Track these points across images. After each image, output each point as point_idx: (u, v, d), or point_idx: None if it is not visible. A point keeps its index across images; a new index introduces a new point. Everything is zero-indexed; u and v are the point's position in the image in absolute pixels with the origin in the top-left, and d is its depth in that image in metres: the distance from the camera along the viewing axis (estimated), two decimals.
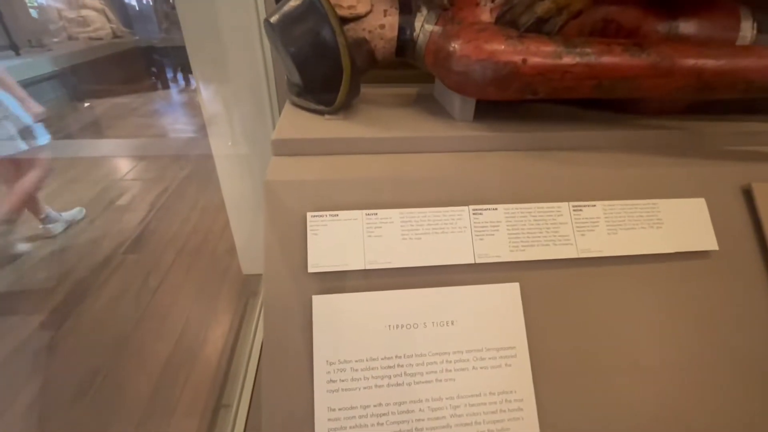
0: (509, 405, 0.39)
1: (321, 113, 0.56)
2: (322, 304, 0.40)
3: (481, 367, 0.39)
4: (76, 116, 3.14)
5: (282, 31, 0.52)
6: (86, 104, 3.55)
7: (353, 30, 0.54)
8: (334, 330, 0.39)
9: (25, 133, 1.48)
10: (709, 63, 0.45)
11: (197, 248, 1.47)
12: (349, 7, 0.52)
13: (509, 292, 0.42)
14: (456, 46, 0.48)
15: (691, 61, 0.45)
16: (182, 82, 4.06)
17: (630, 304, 0.44)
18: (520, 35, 0.46)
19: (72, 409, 0.90)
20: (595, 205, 0.45)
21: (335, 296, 0.40)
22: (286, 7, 0.51)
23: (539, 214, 0.44)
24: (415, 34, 0.54)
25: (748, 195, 0.49)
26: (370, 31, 0.54)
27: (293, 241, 0.41)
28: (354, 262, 0.41)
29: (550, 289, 0.43)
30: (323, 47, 0.51)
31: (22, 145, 1.46)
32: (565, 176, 0.47)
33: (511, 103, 0.59)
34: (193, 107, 3.32)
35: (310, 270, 0.40)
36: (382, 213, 0.42)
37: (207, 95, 0.91)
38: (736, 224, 0.48)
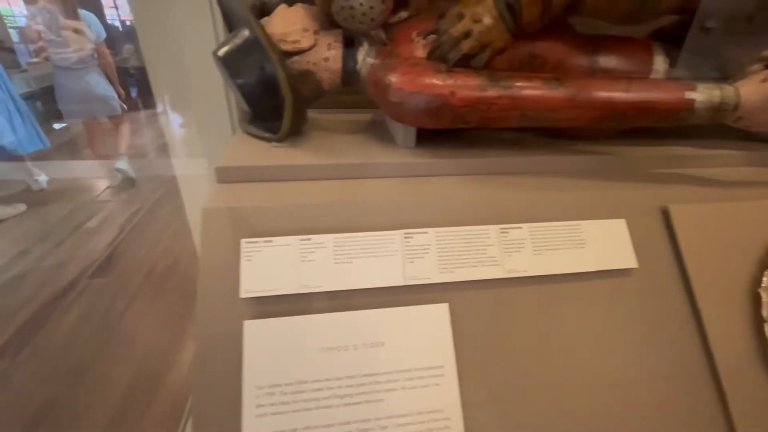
0: (437, 424, 0.40)
1: (269, 141, 0.58)
2: (253, 328, 0.40)
3: (410, 387, 0.41)
4: (50, 137, 3.10)
5: (228, 65, 0.54)
6: (61, 125, 3.51)
7: (298, 63, 0.56)
8: (265, 354, 0.40)
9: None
10: (621, 95, 0.49)
11: (166, 271, 1.45)
12: (293, 42, 0.55)
13: (438, 313, 0.43)
14: (392, 79, 0.51)
15: (605, 94, 0.49)
16: None
17: (555, 321, 0.46)
18: (450, 70, 0.50)
19: None
20: (521, 227, 0.48)
21: (267, 321, 0.41)
22: (231, 43, 0.54)
23: (468, 237, 0.46)
24: (358, 66, 0.57)
25: (666, 216, 0.52)
26: (315, 63, 0.57)
27: (228, 267, 0.42)
28: (286, 287, 0.42)
29: (478, 308, 0.45)
30: (267, 80, 0.53)
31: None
32: (496, 200, 0.50)
33: (453, 130, 0.62)
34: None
35: (243, 295, 0.41)
36: (316, 238, 0.44)
37: (169, 120, 0.92)
38: (655, 243, 0.51)
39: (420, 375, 0.41)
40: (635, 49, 0.56)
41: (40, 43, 3.44)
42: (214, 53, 0.55)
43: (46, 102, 3.60)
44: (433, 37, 0.51)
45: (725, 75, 0.56)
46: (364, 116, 0.73)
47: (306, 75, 0.57)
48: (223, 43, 0.55)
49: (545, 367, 0.44)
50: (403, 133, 0.58)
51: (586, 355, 0.45)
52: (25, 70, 3.69)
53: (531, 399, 0.43)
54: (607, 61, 0.56)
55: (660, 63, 0.56)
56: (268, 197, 0.48)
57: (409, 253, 0.45)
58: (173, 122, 0.93)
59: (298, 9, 0.58)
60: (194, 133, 0.94)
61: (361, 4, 0.50)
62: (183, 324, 1.25)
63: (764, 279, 0.49)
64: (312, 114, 0.72)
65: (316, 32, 0.57)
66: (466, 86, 0.48)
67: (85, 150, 2.84)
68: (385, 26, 0.57)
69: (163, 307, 1.31)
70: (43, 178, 2.21)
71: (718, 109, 0.48)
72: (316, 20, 0.57)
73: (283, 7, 0.59)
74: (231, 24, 0.63)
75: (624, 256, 0.49)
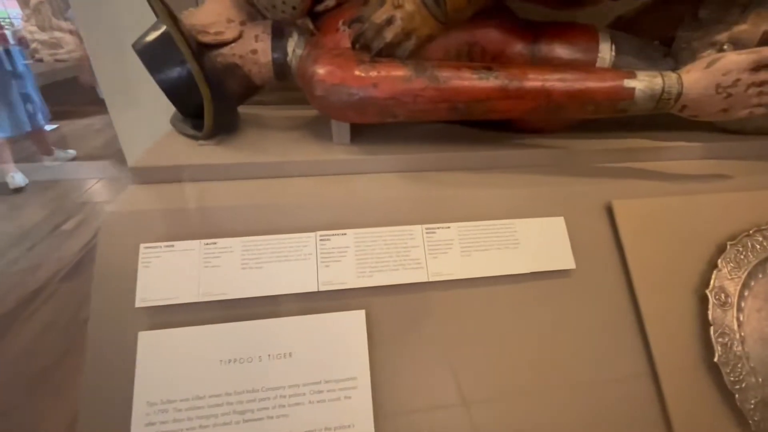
0: None
1: (195, 138, 0.55)
2: (148, 340, 0.38)
3: (318, 401, 0.38)
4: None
5: (146, 59, 0.51)
6: (51, 126, 3.47)
7: (223, 56, 0.53)
8: (160, 368, 0.37)
9: None
10: (557, 85, 0.46)
11: None
12: (216, 33, 0.52)
13: (353, 320, 0.41)
14: (315, 70, 0.48)
15: (538, 83, 0.46)
16: None
17: (484, 326, 0.43)
18: (373, 60, 0.47)
19: None
20: (449, 227, 0.45)
21: (163, 332, 0.38)
22: (147, 38, 0.50)
23: (391, 238, 0.44)
24: (288, 58, 0.54)
25: (609, 212, 0.49)
26: (241, 56, 0.54)
27: (124, 274, 0.39)
28: (186, 295, 0.39)
29: (398, 315, 0.42)
30: (188, 75, 0.50)
31: None
32: (424, 198, 0.47)
33: (390, 125, 0.59)
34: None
35: (138, 304, 0.38)
36: (222, 242, 0.41)
37: (119, 120, 0.89)
38: (596, 242, 0.48)
39: (330, 387, 0.38)
40: (580, 35, 0.53)
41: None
42: (133, 46, 0.52)
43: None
44: (357, 25, 0.48)
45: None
46: (310, 112, 0.70)
47: (233, 69, 0.54)
48: (142, 36, 0.52)
49: (470, 376, 0.41)
50: (336, 128, 0.55)
51: (517, 362, 0.43)
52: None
53: (454, 410, 0.40)
54: (550, 49, 0.53)
55: (606, 51, 0.53)
56: (179, 199, 0.45)
57: (325, 257, 0.42)
58: (121, 123, 0.90)
59: (222, 0, 0.54)
60: (143, 138, 0.91)
61: None
62: None
63: (712, 280, 0.46)
64: (255, 110, 0.69)
65: (242, 23, 0.54)
66: (389, 77, 0.45)
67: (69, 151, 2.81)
68: (314, 15, 0.53)
69: None
70: (19, 177, 2.20)
71: (659, 99, 0.45)
72: (242, 11, 0.54)
73: None
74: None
75: (561, 257, 0.46)
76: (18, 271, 1.44)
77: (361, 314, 0.41)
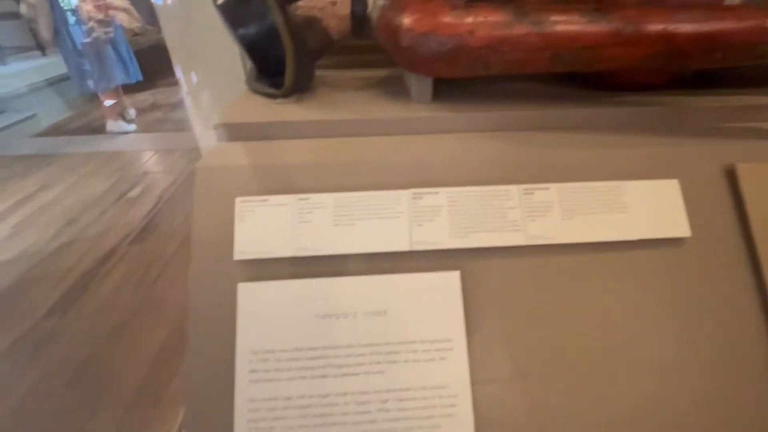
0: (442, 401, 0.36)
1: (273, 97, 0.54)
2: (247, 292, 0.38)
3: (413, 360, 0.37)
4: (100, 112, 3.26)
5: (228, 14, 0.50)
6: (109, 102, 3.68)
7: (303, 9, 0.51)
8: (260, 319, 0.38)
9: None
10: (681, 27, 0.40)
11: None
12: None
13: (448, 281, 0.39)
14: (402, 19, 0.45)
15: (660, 26, 0.40)
16: None
17: (585, 296, 0.40)
18: (467, 4, 0.43)
19: (66, 395, 0.93)
20: (548, 188, 0.42)
21: (262, 284, 0.38)
22: None
23: (486, 198, 0.41)
24: (368, 10, 0.51)
25: (731, 176, 0.44)
26: (321, 9, 0.51)
27: (221, 228, 0.40)
28: (282, 249, 0.39)
29: (495, 279, 0.40)
30: (269, 30, 0.49)
31: None
32: (520, 158, 0.44)
33: (474, 83, 0.55)
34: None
35: (236, 257, 0.39)
36: (315, 197, 0.40)
37: (189, 91, 0.91)
38: (715, 209, 0.43)
39: (425, 348, 0.37)
40: None
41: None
42: (214, 2, 0.51)
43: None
44: None
45: None
46: (381, 73, 0.68)
47: (312, 22, 0.52)
48: None
49: (570, 348, 0.39)
50: (417, 85, 0.52)
51: (618, 336, 0.39)
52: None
53: (550, 381, 0.38)
54: None
55: None
56: (268, 155, 0.44)
57: (418, 215, 0.40)
58: (192, 93, 0.91)
59: None
60: (212, 101, 0.92)
61: None
62: None
63: None
64: (322, 73, 0.67)
65: None
66: (487, 23, 0.42)
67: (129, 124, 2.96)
68: None
69: None
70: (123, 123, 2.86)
71: None
72: None
73: None
74: None
75: (674, 223, 0.41)
76: (92, 234, 1.56)
77: (455, 275, 0.39)
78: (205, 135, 1.00)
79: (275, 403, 0.36)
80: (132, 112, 3.13)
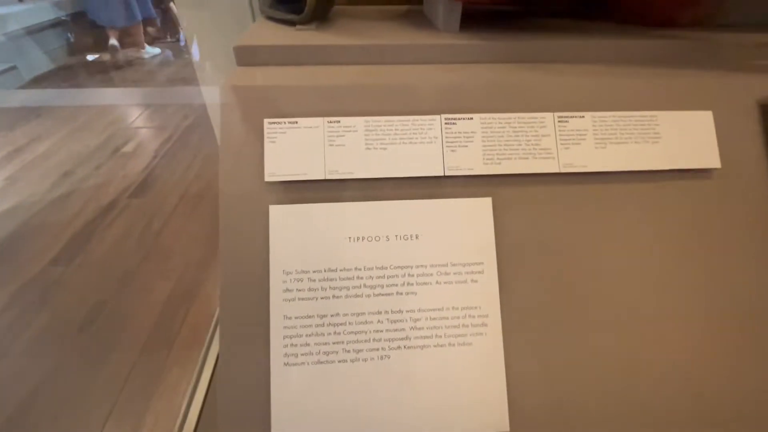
0: (473, 320, 0.37)
1: (292, 23, 0.52)
2: (279, 213, 0.38)
3: (445, 282, 0.38)
4: (83, 65, 3.11)
5: None
6: (92, 56, 3.50)
7: None
8: (292, 240, 0.38)
9: None
10: None
11: (199, 194, 1.48)
12: None
13: (480, 207, 0.39)
14: None
15: None
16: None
17: (616, 226, 0.41)
18: None
19: (79, 338, 0.95)
20: (583, 116, 0.41)
21: (293, 206, 0.38)
22: None
23: (519, 126, 0.40)
24: None
25: (764, 110, 0.43)
26: None
27: (250, 149, 0.39)
28: (314, 172, 0.38)
29: (526, 205, 0.40)
30: None
31: None
32: (553, 86, 0.43)
33: (501, 16, 0.53)
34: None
35: (267, 179, 0.38)
36: (346, 121, 0.39)
37: (190, 29, 0.86)
38: (746, 143, 0.43)
39: (457, 270, 0.38)
40: None
41: None
42: None
43: (74, 31, 3.59)
44: None
45: None
46: (399, 8, 0.64)
47: None
48: None
49: (597, 279, 0.40)
50: (446, 13, 0.49)
51: (646, 269, 0.40)
52: None
53: (576, 311, 0.39)
54: None
55: None
56: (292, 78, 0.43)
57: (451, 141, 0.39)
58: (192, 38, 0.86)
59: None
60: (217, 47, 0.88)
61: None
62: (215, 243, 1.29)
63: None
64: (338, 7, 0.64)
65: None
66: None
67: (116, 79, 2.84)
68: None
69: (197, 227, 1.35)
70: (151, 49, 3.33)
71: None
72: None
73: None
74: None
75: (705, 154, 0.41)
76: (90, 186, 1.53)
77: (488, 201, 0.39)
78: (208, 90, 0.96)
79: (309, 321, 0.37)
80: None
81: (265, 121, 0.39)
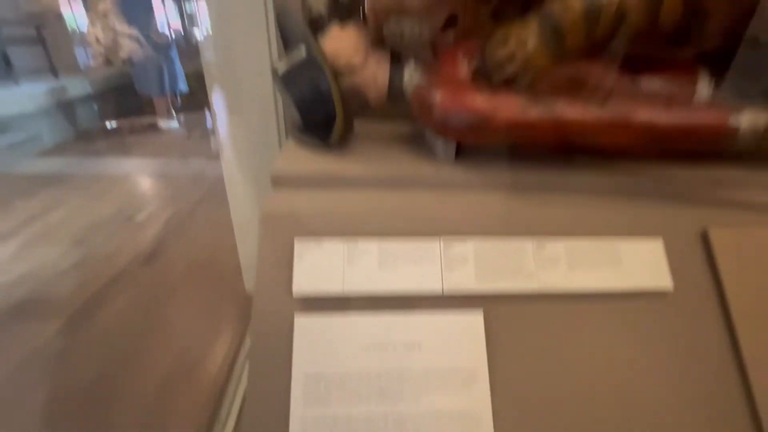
0: (467, 423, 0.42)
1: (318, 147, 0.63)
2: (303, 323, 0.44)
3: (443, 387, 0.43)
4: (106, 136, 3.34)
5: (286, 81, 0.59)
6: (114, 125, 3.77)
7: (348, 80, 0.61)
8: (313, 347, 0.44)
9: None
10: (663, 119, 0.50)
11: (205, 266, 1.54)
12: (347, 60, 0.60)
13: (473, 320, 0.46)
14: (437, 97, 0.54)
15: (646, 117, 0.50)
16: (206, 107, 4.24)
17: (587, 338, 0.47)
18: (493, 90, 0.53)
19: (76, 416, 0.95)
20: (558, 243, 0.50)
21: (316, 317, 0.45)
22: (291, 61, 0.59)
23: (506, 249, 0.49)
24: (404, 83, 0.61)
25: (705, 239, 0.52)
26: (364, 80, 0.61)
27: (282, 267, 0.47)
28: (334, 287, 0.46)
29: (512, 319, 0.47)
30: (321, 95, 0.58)
31: None
32: (534, 215, 0.52)
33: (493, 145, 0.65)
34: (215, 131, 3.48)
35: (295, 293, 0.45)
36: (363, 243, 0.48)
37: (221, 125, 0.99)
38: (692, 267, 0.51)
39: (453, 377, 0.44)
40: (679, 71, 0.57)
41: (97, 47, 3.74)
42: (274, 72, 0.60)
43: (100, 104, 3.92)
44: (479, 58, 0.54)
45: None
46: (403, 128, 0.77)
47: (355, 91, 0.61)
48: (282, 63, 0.60)
49: (574, 383, 0.46)
50: (443, 146, 0.61)
51: (615, 376, 0.46)
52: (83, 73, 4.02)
53: (559, 414, 0.45)
54: (650, 83, 0.57)
55: (704, 87, 0.56)
56: (319, 203, 0.52)
57: (449, 262, 0.48)
58: (222, 129, 1.00)
59: (351, 30, 0.62)
60: (242, 139, 1.01)
61: (410, 27, 0.54)
62: (219, 318, 1.32)
63: None
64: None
65: (366, 50, 0.61)
66: (508, 107, 0.51)
67: (135, 149, 3.04)
68: (432, 45, 0.60)
69: (201, 300, 1.39)
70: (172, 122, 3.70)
71: (764, 137, 0.48)
72: (366, 39, 0.61)
73: (337, 27, 0.64)
74: (286, 39, 0.68)
75: (659, 277, 0.49)
76: (100, 256, 1.60)
77: (479, 316, 0.46)
78: (230, 170, 1.07)
79: (324, 421, 0.41)
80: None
81: (295, 241, 0.47)
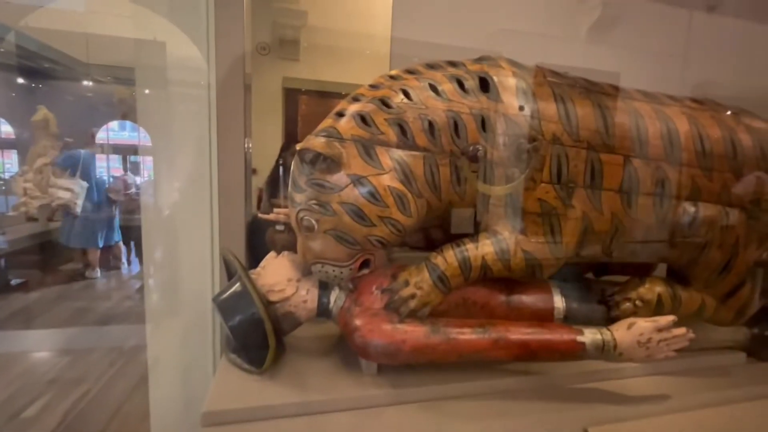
0: None
1: (251, 372, 0.67)
2: None
3: None
4: (9, 302, 2.98)
5: (223, 310, 0.67)
6: (19, 290, 3.40)
7: (281, 306, 0.70)
8: None
9: None
10: (531, 338, 0.64)
11: None
12: (279, 291, 0.70)
13: None
14: (357, 324, 0.65)
15: (518, 337, 0.64)
16: (135, 267, 3.95)
17: None
18: (401, 320, 0.65)
19: None
20: None
21: None
22: (226, 294, 0.68)
23: None
24: (330, 305, 0.71)
25: None
26: (295, 306, 0.71)
27: None
28: None
29: None
30: (254, 324, 0.66)
31: None
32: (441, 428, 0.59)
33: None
34: (140, 292, 3.29)
35: None
36: None
37: (153, 327, 1.00)
38: None
39: None
40: (537, 289, 0.75)
41: (23, 199, 3.59)
42: (213, 300, 0.69)
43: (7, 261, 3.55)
44: (388, 293, 0.68)
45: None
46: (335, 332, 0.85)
47: (287, 315, 0.71)
48: (219, 294, 0.69)
49: None
50: (367, 363, 0.69)
51: None
52: None
53: None
54: (519, 299, 0.74)
55: (558, 300, 0.74)
56: None
57: None
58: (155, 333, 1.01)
59: (284, 259, 0.75)
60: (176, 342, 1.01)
61: (333, 270, 0.67)
62: None
63: None
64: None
65: (298, 280, 0.72)
66: (414, 336, 0.63)
67: (42, 317, 2.73)
68: (351, 279, 0.74)
69: None
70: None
71: (602, 350, 0.64)
72: (298, 268, 0.73)
73: (271, 256, 0.76)
74: (229, 268, 0.78)
75: None
76: None
77: None
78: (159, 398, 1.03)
79: None
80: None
81: None
